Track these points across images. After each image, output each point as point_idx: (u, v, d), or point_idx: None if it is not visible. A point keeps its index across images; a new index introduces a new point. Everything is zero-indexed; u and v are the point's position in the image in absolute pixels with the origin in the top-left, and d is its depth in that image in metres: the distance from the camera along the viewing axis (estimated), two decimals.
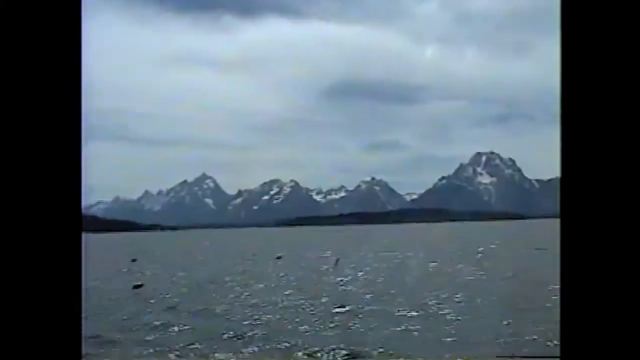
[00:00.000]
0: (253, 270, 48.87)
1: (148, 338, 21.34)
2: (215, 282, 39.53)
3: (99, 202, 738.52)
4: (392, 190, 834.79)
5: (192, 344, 20.16)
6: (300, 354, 17.61)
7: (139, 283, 38.10)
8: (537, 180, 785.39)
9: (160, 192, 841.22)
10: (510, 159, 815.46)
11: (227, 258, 66.17)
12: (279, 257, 61.83)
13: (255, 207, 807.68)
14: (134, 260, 63.43)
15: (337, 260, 52.13)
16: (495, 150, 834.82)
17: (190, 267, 52.64)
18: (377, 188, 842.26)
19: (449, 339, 19.17)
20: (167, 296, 32.63)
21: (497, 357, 14.26)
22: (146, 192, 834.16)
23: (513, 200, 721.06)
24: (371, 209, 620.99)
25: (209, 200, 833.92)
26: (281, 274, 44.24)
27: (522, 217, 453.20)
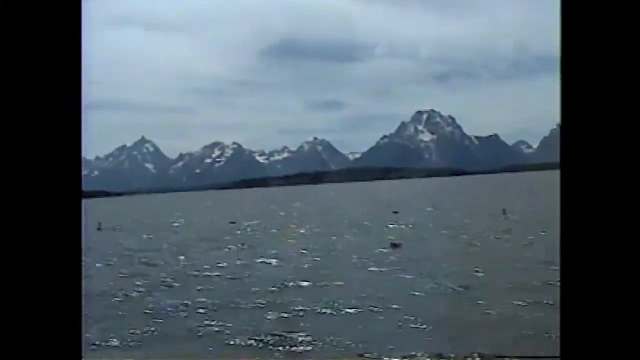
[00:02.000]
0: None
1: None
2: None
3: None
4: (334, 150, 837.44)
5: None
6: None
7: (397, 242, 33.23)
8: (477, 137, 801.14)
9: (97, 158, 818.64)
10: (450, 117, 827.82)
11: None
12: (395, 212, 59.82)
13: (197, 171, 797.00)
14: (232, 223, 57.67)
15: (505, 211, 50.36)
16: (436, 109, 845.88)
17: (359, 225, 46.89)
18: (319, 148, 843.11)
19: None
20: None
21: (496, 357, 13.60)
22: (83, 158, 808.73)
23: (453, 157, 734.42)
24: (314, 169, 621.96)
25: (149, 165, 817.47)
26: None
27: (463, 173, 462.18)
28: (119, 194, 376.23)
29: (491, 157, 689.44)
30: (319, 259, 28.70)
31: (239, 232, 47.86)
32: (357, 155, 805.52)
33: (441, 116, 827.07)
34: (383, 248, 31.75)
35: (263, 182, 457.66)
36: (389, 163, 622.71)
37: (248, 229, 50.89)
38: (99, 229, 59.10)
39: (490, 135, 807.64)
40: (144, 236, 49.36)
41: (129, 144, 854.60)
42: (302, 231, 44.97)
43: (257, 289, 21.71)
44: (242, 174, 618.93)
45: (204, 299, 20.30)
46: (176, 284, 23.84)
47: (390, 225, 45.88)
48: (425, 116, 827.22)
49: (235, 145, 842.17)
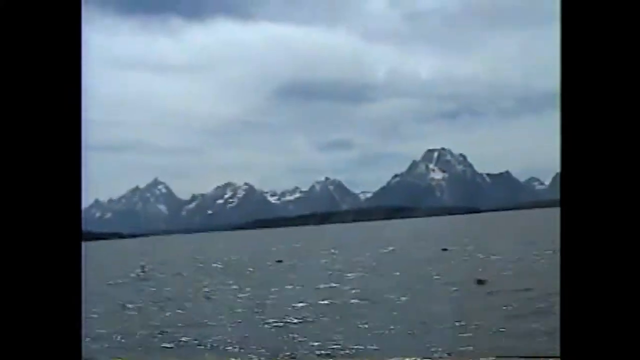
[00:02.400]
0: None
1: None
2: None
3: None
4: (346, 190, 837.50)
5: None
6: None
7: (482, 278, 32.08)
8: (488, 175, 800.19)
9: (111, 200, 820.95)
10: (461, 155, 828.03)
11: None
12: (444, 249, 58.74)
13: (209, 212, 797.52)
14: (279, 261, 57.29)
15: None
16: (446, 147, 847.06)
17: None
18: (331, 188, 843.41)
19: None
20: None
21: (497, 357, 13.16)
22: (96, 200, 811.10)
23: (465, 194, 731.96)
24: (326, 209, 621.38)
25: (162, 207, 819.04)
26: None
27: (477, 211, 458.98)
28: (133, 236, 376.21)
29: (504, 195, 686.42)
30: (419, 297, 27.50)
31: (294, 276, 46.91)
32: (369, 195, 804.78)
33: (452, 154, 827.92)
34: (462, 285, 30.92)
35: (276, 223, 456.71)
36: (401, 202, 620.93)
37: (301, 267, 50.16)
38: (143, 271, 58.33)
39: (502, 173, 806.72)
40: (201, 278, 48.53)
41: (141, 186, 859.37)
42: (361, 269, 44.12)
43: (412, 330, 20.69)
44: (255, 214, 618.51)
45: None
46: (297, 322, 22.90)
47: (453, 262, 45.06)
48: (436, 154, 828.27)
49: (247, 186, 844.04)
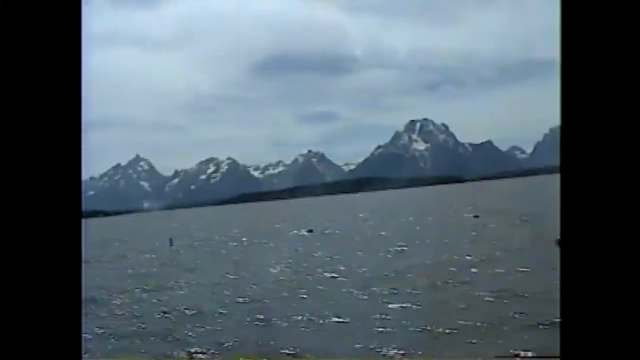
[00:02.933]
0: None
1: None
2: None
3: None
4: (329, 162, 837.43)
5: None
6: None
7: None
8: (470, 144, 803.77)
9: (92, 178, 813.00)
10: (444, 125, 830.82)
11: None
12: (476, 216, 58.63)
13: (192, 187, 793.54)
14: (310, 231, 56.43)
15: None
16: (429, 117, 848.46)
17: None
18: (314, 160, 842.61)
19: None
20: None
21: (496, 357, 12.97)
22: None
23: (448, 164, 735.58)
24: (310, 181, 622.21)
25: (144, 183, 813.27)
26: None
27: (461, 181, 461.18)
28: (118, 213, 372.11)
29: (486, 164, 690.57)
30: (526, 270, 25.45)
31: (349, 244, 45.99)
32: (352, 167, 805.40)
33: (434, 124, 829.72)
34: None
35: (262, 197, 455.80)
36: (385, 173, 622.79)
37: (339, 236, 49.50)
38: (171, 245, 57.34)
39: (484, 142, 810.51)
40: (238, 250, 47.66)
41: (123, 163, 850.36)
42: (409, 238, 43.36)
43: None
44: (238, 189, 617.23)
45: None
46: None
47: (502, 228, 44.56)
48: (418, 125, 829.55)
49: (230, 161, 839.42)
